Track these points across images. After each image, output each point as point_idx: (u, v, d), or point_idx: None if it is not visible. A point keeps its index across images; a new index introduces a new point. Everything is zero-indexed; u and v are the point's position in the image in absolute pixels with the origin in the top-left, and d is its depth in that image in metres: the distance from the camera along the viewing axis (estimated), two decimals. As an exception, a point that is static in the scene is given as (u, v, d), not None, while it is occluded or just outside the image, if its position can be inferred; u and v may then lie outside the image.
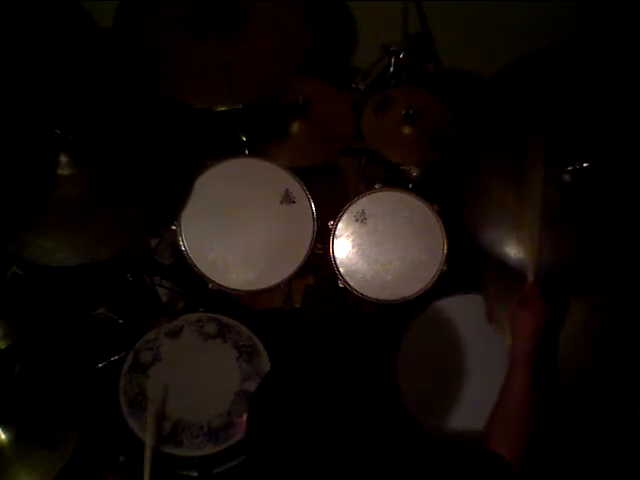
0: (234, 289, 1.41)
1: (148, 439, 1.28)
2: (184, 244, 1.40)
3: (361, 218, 1.44)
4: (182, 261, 1.42)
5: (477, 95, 1.36)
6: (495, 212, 1.26)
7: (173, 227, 1.39)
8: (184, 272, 1.47)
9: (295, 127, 1.51)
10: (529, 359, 1.17)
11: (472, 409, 1.38)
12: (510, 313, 1.25)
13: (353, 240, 1.44)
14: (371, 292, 1.42)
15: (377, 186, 1.45)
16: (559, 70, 1.29)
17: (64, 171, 1.27)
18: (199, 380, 1.38)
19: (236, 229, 1.42)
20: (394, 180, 1.59)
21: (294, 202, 1.43)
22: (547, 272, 1.23)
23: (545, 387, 1.18)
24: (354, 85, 1.68)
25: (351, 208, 1.44)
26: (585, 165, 1.18)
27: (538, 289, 1.23)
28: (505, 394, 1.15)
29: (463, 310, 1.44)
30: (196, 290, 1.55)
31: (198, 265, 1.40)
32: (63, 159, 1.27)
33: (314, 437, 0.88)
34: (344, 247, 1.44)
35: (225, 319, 1.44)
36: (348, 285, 1.42)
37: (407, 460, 0.95)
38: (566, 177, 1.21)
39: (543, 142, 1.23)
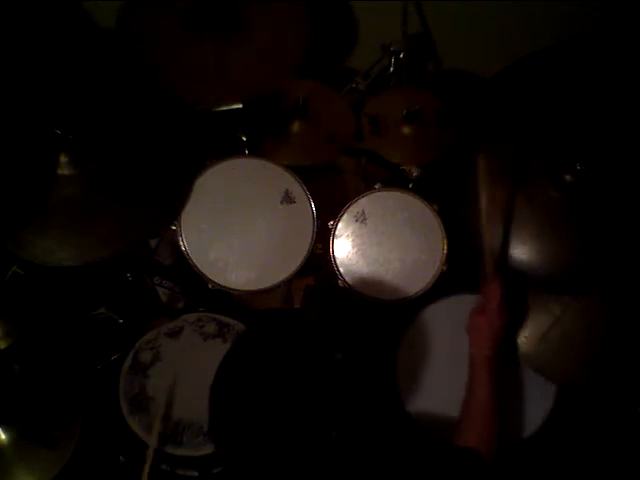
0: (234, 289, 1.41)
1: (153, 441, 1.28)
2: (184, 244, 1.40)
3: (361, 218, 1.44)
4: (182, 261, 1.41)
5: (477, 96, 1.36)
6: (495, 214, 1.25)
7: (173, 227, 1.39)
8: (184, 272, 1.47)
9: (295, 127, 1.51)
10: (489, 364, 1.20)
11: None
12: (470, 317, 1.29)
13: (353, 240, 1.44)
14: (371, 292, 1.42)
15: (377, 186, 1.45)
16: (559, 71, 1.29)
17: (64, 171, 1.27)
18: (199, 380, 1.38)
19: (236, 229, 1.42)
20: (394, 180, 1.59)
21: (294, 202, 1.43)
22: (548, 272, 1.23)
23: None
24: (354, 85, 1.68)
25: (351, 208, 1.44)
26: (582, 167, 1.18)
27: (497, 293, 1.24)
28: (470, 400, 1.19)
29: (463, 310, 1.43)
30: (196, 290, 1.55)
31: (198, 265, 1.40)
32: (63, 159, 1.27)
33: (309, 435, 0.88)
34: (344, 247, 1.44)
35: (225, 319, 1.44)
36: (348, 285, 1.42)
37: (398, 458, 0.96)
38: (566, 177, 1.21)
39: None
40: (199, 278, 1.41)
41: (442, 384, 1.41)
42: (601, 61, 1.28)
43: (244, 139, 1.52)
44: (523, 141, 1.26)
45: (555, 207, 1.22)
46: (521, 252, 1.24)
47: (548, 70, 1.30)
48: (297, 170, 1.44)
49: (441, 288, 1.43)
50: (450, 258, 1.41)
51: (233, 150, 1.50)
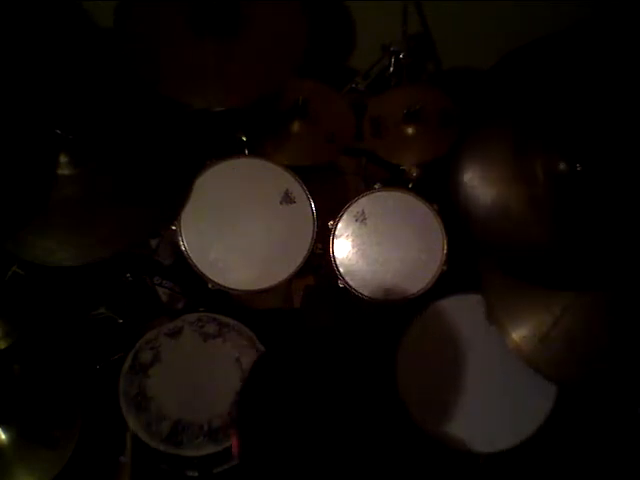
0: (234, 289, 1.41)
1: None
2: (184, 244, 1.40)
3: (361, 218, 1.44)
4: (182, 261, 1.42)
5: (475, 90, 1.35)
6: (500, 219, 1.24)
7: (173, 227, 1.39)
8: (184, 272, 1.47)
9: (295, 127, 1.51)
10: None
11: (471, 409, 1.39)
12: None
13: (353, 240, 1.44)
14: (371, 292, 1.42)
15: (377, 186, 1.45)
16: (559, 62, 1.27)
17: (64, 171, 1.27)
18: (199, 380, 1.38)
19: (236, 229, 1.42)
20: (394, 180, 1.59)
21: (294, 202, 1.43)
22: (551, 269, 1.23)
23: None
24: (354, 85, 1.68)
25: (351, 208, 1.44)
26: (581, 167, 1.18)
27: None
28: None
29: (463, 310, 1.44)
30: (196, 290, 1.55)
31: (198, 265, 1.40)
32: (63, 159, 1.27)
33: (310, 438, 0.88)
34: (344, 247, 1.44)
35: (225, 319, 1.44)
36: (348, 285, 1.42)
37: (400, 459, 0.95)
38: (565, 173, 1.20)
39: None
40: (199, 278, 1.41)
41: (442, 384, 1.41)
42: (599, 53, 1.26)
43: (244, 139, 1.52)
44: (521, 134, 1.25)
45: (555, 202, 1.21)
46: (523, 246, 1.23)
47: (544, 61, 1.28)
48: (297, 170, 1.44)
49: (441, 288, 1.43)
50: (450, 258, 1.41)
51: (233, 150, 1.50)
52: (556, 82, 1.25)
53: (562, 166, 1.20)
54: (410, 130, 1.51)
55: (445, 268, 1.41)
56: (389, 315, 1.47)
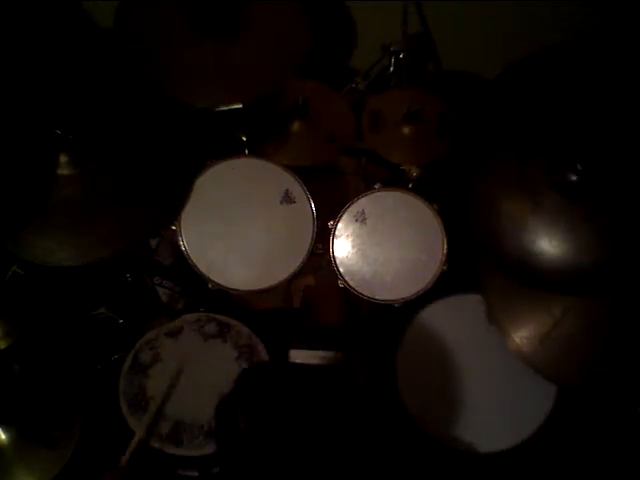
0: (234, 289, 1.41)
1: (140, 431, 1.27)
2: (184, 244, 1.40)
3: (361, 218, 1.44)
4: (182, 261, 1.42)
5: (478, 99, 1.35)
6: (508, 225, 1.24)
7: (173, 227, 1.39)
8: (184, 272, 1.47)
9: (295, 127, 1.51)
10: None
11: (472, 408, 1.39)
12: None
13: (353, 240, 1.44)
14: (371, 292, 1.42)
15: (377, 186, 1.45)
16: (562, 71, 1.28)
17: (64, 171, 1.27)
18: (199, 380, 1.38)
19: (236, 229, 1.42)
20: (394, 180, 1.59)
21: (294, 202, 1.43)
22: (554, 275, 1.23)
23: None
24: (354, 85, 1.68)
25: (351, 208, 1.44)
26: (582, 167, 1.18)
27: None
28: None
29: (463, 310, 1.44)
30: (196, 290, 1.55)
31: (198, 265, 1.40)
32: (63, 159, 1.27)
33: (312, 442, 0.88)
34: (344, 247, 1.44)
35: (225, 319, 1.44)
36: (348, 285, 1.42)
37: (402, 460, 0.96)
38: (570, 179, 1.20)
39: None
40: (199, 278, 1.41)
41: (442, 384, 1.41)
42: (605, 60, 1.27)
43: (244, 139, 1.52)
44: (524, 144, 1.25)
45: (562, 210, 1.21)
46: (538, 257, 1.22)
47: (547, 71, 1.29)
48: (297, 170, 1.44)
49: (441, 288, 1.43)
50: (450, 258, 1.41)
51: (233, 150, 1.50)
52: (559, 93, 1.25)
53: (565, 174, 1.20)
54: (407, 130, 1.51)
55: (445, 268, 1.41)
56: (389, 315, 1.47)
